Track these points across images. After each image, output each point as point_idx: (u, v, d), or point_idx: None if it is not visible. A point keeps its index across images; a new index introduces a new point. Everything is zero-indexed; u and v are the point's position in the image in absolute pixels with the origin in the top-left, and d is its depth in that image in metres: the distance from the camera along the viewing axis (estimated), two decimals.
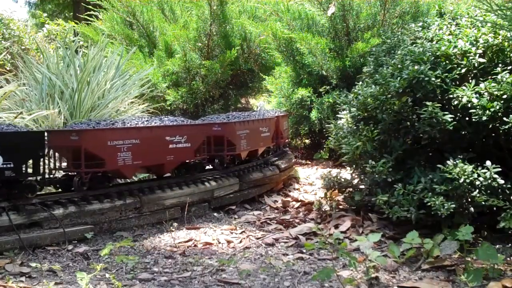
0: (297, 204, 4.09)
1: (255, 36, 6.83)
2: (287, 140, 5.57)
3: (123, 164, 3.15)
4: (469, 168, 2.75)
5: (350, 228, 3.28)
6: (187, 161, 3.66)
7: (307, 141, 6.99)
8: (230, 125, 3.96)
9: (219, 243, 3.10)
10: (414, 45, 3.32)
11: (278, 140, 4.95)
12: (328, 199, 3.77)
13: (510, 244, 2.87)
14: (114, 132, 3.14)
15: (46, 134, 3.06)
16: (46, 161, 3.07)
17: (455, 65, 3.09)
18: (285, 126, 5.29)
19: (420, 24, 3.69)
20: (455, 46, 3.10)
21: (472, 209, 2.80)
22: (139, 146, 3.22)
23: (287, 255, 2.88)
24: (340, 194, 3.81)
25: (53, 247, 2.81)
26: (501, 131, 2.87)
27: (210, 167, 4.05)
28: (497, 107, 2.80)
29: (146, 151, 3.27)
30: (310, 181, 5.12)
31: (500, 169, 2.75)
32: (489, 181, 2.71)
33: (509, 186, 2.75)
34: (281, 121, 5.00)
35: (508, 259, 2.67)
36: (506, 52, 3.09)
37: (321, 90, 5.94)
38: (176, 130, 3.47)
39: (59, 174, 3.26)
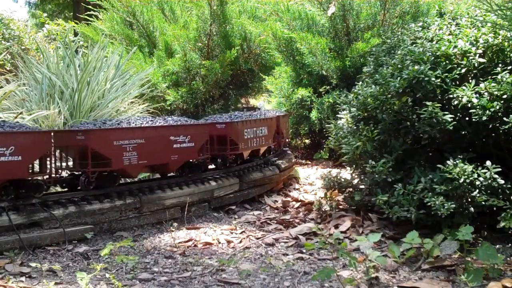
0: (297, 204, 4.09)
1: (255, 36, 6.83)
2: (287, 140, 5.56)
3: None
4: (469, 168, 2.75)
5: (350, 228, 3.28)
6: (20, 178, 2.85)
7: (307, 141, 7.00)
8: (99, 133, 3.14)
9: (219, 243, 3.10)
10: (414, 45, 3.32)
11: (226, 152, 3.97)
12: (328, 199, 3.77)
13: (510, 244, 2.87)
14: None
15: None
16: None
17: (455, 65, 3.09)
18: (256, 133, 4.31)
19: (420, 24, 3.69)
20: (455, 46, 3.11)
21: (472, 209, 2.80)
22: None
23: (287, 255, 2.88)
24: (340, 194, 3.81)
25: (53, 247, 2.81)
26: (501, 131, 2.87)
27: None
28: (497, 107, 2.80)
29: None
30: (310, 181, 5.12)
31: (500, 169, 2.75)
32: (489, 181, 2.71)
33: (509, 186, 2.75)
34: (237, 128, 4.02)
35: (508, 259, 2.67)
36: (506, 52, 3.09)
37: (321, 90, 5.94)
38: None
39: None
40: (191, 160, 3.74)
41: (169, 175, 3.74)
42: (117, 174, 3.32)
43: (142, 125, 3.41)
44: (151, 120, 3.62)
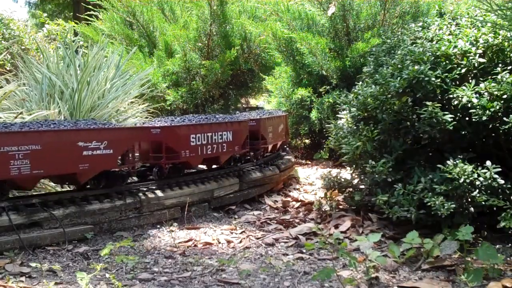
0: (297, 204, 4.09)
1: (255, 36, 6.84)
2: (287, 141, 5.55)
3: None
4: (469, 168, 2.75)
5: (350, 228, 3.28)
6: None
7: (307, 141, 7.00)
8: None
9: (219, 243, 3.10)
10: (414, 45, 3.32)
11: (161, 161, 3.52)
12: (328, 199, 3.77)
13: (510, 244, 2.87)
14: None
15: None
16: None
17: (455, 65, 3.09)
18: (211, 139, 3.78)
19: (420, 24, 3.69)
20: (455, 46, 3.11)
21: (472, 209, 2.80)
22: None
23: (287, 255, 2.88)
24: (340, 194, 3.81)
25: (53, 247, 2.81)
26: (501, 131, 2.87)
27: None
28: (497, 107, 2.80)
29: None
30: (310, 181, 5.12)
31: (500, 169, 2.75)
32: (489, 181, 2.71)
33: (509, 186, 2.75)
34: (177, 133, 3.58)
35: (508, 259, 2.67)
36: (506, 52, 3.09)
37: (321, 90, 5.94)
38: None
39: None
40: (111, 170, 3.25)
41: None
42: (4, 185, 2.81)
43: (39, 129, 2.86)
44: (54, 123, 3.08)
